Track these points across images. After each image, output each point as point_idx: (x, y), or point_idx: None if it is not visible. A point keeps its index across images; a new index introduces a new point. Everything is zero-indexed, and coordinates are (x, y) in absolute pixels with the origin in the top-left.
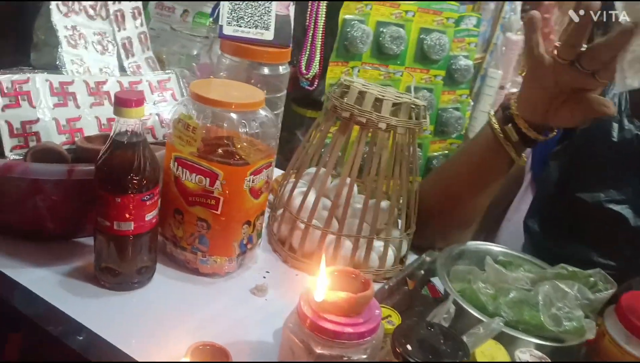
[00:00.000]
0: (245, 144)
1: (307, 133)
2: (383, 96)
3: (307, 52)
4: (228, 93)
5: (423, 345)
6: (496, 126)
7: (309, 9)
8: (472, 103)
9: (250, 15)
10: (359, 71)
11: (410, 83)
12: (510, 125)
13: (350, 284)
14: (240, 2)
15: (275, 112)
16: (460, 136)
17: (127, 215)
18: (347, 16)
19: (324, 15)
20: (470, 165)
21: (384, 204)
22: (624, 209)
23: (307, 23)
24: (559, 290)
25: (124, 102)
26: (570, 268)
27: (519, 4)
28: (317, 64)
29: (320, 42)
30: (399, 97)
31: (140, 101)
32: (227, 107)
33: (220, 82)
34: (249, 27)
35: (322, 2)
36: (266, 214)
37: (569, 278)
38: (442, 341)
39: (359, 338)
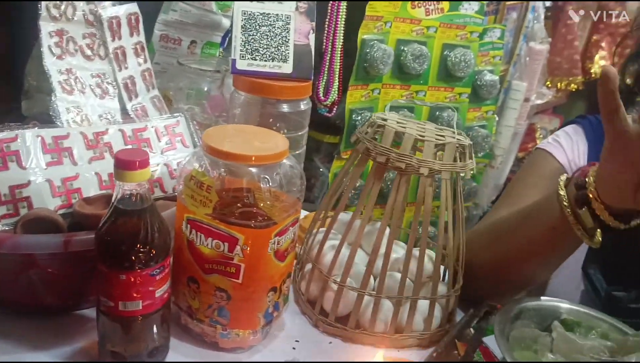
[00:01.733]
0: (268, 200)
1: (323, 159)
2: (423, 135)
3: (325, 78)
4: (246, 143)
5: None
6: (568, 208)
7: (326, 31)
8: (497, 119)
9: (266, 46)
10: (390, 108)
11: (429, 101)
12: (585, 209)
13: None
14: (255, 33)
15: (297, 151)
16: (488, 154)
17: (134, 294)
18: (365, 36)
19: (342, 37)
20: (532, 239)
21: (427, 257)
22: None
23: (324, 46)
24: None
25: (126, 164)
26: None
27: (542, 12)
28: (336, 89)
29: (339, 66)
30: (440, 135)
31: (144, 162)
32: (247, 161)
33: (236, 129)
34: (265, 60)
35: (339, 22)
36: None
37: None
38: None
39: None
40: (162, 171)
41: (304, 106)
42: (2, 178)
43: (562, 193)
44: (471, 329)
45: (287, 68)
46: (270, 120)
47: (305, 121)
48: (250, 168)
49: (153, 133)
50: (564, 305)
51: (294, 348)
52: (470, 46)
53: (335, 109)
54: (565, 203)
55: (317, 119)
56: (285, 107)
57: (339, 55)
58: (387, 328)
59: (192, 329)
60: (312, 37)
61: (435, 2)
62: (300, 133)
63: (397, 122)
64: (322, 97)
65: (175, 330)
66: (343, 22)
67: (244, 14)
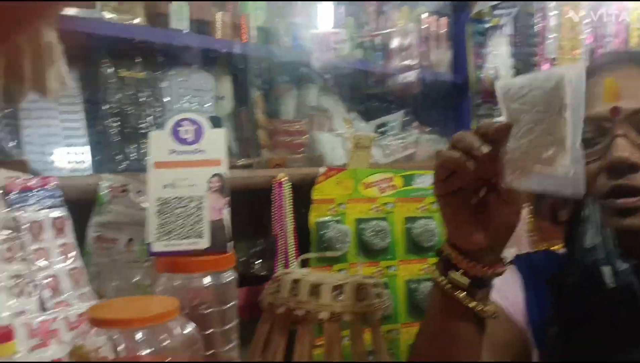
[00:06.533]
0: None
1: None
2: (322, 280)
3: (282, 262)
4: (133, 309)
5: None
6: (440, 279)
7: (273, 216)
8: None
9: (181, 226)
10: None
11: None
12: (453, 271)
13: None
14: (170, 215)
15: (228, 326)
16: None
17: None
18: (320, 219)
19: (292, 222)
20: (437, 337)
21: None
22: None
23: (273, 232)
24: None
25: None
26: None
27: None
28: None
29: (293, 250)
30: (344, 279)
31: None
32: (129, 326)
33: (127, 300)
34: (181, 239)
35: (284, 205)
36: None
37: None
38: None
39: None
40: None
41: (227, 277)
42: None
43: (435, 275)
44: None
45: (204, 243)
46: (193, 296)
47: (231, 293)
48: (135, 334)
49: (62, 324)
50: None
51: None
52: (433, 216)
53: None
54: (440, 279)
55: None
56: (208, 280)
57: (292, 239)
58: None
59: None
60: (225, 211)
61: (387, 180)
62: (226, 307)
63: (302, 274)
64: None
65: None
66: (290, 205)
67: (159, 199)
